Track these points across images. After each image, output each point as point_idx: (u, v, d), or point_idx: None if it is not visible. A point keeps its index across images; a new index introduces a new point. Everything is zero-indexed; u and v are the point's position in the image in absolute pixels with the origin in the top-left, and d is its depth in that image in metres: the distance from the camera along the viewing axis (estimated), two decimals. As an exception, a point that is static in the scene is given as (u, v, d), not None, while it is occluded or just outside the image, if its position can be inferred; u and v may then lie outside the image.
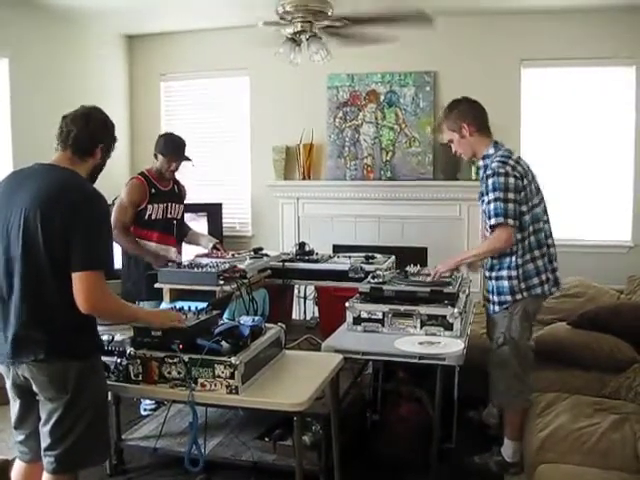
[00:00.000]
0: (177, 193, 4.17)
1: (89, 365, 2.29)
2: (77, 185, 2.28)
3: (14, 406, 2.34)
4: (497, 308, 3.20)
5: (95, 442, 2.32)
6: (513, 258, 3.12)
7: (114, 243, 2.55)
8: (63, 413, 2.22)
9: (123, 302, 2.38)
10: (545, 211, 3.26)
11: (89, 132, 2.34)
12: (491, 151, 3.19)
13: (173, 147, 4.02)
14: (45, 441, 2.25)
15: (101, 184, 2.40)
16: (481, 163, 3.24)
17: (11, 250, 2.21)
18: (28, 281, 2.19)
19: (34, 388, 2.23)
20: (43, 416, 2.25)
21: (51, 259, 2.17)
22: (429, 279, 3.38)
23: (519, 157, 3.23)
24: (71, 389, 2.21)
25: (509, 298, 3.15)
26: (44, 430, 2.25)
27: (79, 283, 2.15)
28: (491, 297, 3.24)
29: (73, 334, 2.23)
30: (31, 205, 2.18)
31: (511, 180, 3.04)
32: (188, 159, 4.09)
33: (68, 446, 2.23)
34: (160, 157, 4.00)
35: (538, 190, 3.22)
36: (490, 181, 3.07)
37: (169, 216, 4.07)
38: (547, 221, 3.26)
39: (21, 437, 2.36)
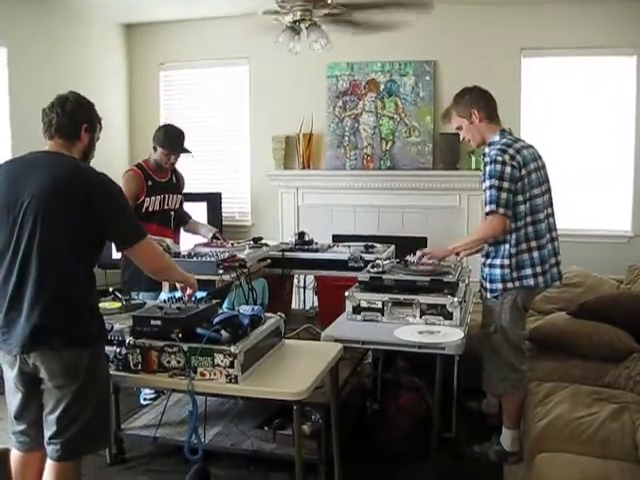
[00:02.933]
0: (175, 184, 4.16)
1: (97, 352, 2.31)
2: (85, 169, 2.32)
3: (15, 397, 2.32)
4: (489, 295, 3.22)
5: (99, 428, 2.34)
6: (507, 247, 3.12)
7: None
8: (71, 401, 2.22)
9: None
10: (550, 204, 3.24)
11: (68, 115, 2.34)
12: (496, 138, 3.19)
13: (172, 140, 3.98)
14: (50, 429, 2.24)
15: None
16: (487, 150, 3.23)
17: (24, 239, 2.18)
18: (46, 268, 2.18)
19: (42, 376, 2.22)
20: (50, 404, 2.24)
21: (71, 243, 2.19)
22: (415, 259, 3.42)
23: (528, 146, 3.20)
24: (81, 377, 2.22)
25: (500, 286, 3.15)
26: (50, 418, 2.24)
27: (142, 251, 2.40)
28: (484, 283, 3.26)
29: (87, 318, 2.26)
30: (45, 192, 2.18)
31: (507, 169, 3.04)
32: (187, 151, 4.06)
33: (73, 433, 2.23)
34: (159, 149, 3.97)
35: (542, 182, 3.18)
36: (487, 168, 3.09)
37: (166, 207, 4.06)
38: (552, 214, 3.24)
39: (21, 427, 2.35)
